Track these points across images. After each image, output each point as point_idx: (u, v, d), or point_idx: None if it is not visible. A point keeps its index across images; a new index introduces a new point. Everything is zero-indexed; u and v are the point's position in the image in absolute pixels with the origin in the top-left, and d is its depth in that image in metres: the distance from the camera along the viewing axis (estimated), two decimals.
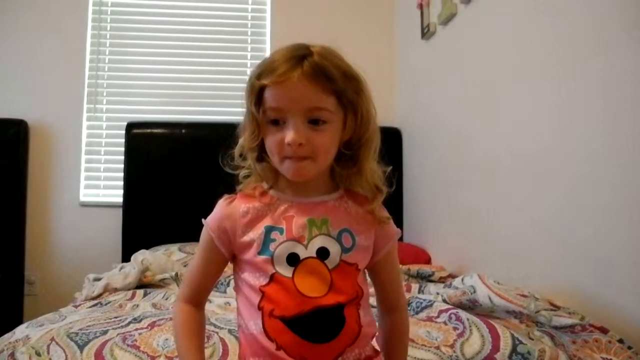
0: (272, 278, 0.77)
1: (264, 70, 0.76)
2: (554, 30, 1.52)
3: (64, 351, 1.07)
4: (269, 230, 0.79)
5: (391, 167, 0.85)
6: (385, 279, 0.88)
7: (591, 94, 1.36)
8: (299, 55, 0.75)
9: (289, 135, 0.75)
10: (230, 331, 1.13)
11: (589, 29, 1.37)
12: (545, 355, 1.08)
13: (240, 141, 0.83)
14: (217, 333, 1.13)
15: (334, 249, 0.78)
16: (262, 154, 0.82)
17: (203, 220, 0.84)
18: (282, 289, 0.76)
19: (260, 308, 0.76)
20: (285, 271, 0.77)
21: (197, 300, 0.84)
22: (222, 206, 0.83)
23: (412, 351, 1.06)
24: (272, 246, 0.78)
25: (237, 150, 0.84)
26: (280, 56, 0.76)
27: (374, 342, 0.85)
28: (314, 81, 0.75)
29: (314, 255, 0.78)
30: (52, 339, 1.12)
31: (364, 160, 0.82)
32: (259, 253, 0.78)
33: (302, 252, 0.77)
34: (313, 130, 0.76)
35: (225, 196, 0.84)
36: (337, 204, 0.83)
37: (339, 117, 0.79)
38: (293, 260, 0.77)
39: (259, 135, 0.80)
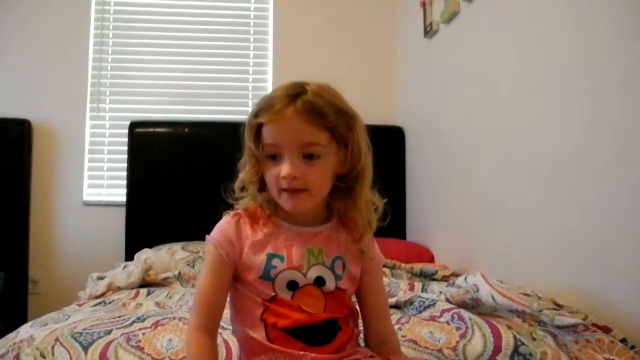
0: (274, 298, 0.82)
1: (262, 109, 0.82)
2: (558, 28, 1.51)
3: (69, 352, 1.07)
4: (270, 257, 0.83)
5: (386, 200, 0.89)
6: (372, 304, 0.93)
7: (595, 94, 1.35)
8: (294, 94, 0.80)
9: (284, 169, 0.80)
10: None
11: (592, 28, 1.36)
12: (547, 358, 1.08)
13: (241, 176, 0.87)
14: (220, 334, 1.13)
15: (329, 277, 0.85)
16: (262, 185, 0.87)
17: (207, 236, 0.87)
18: (284, 305, 0.81)
19: (263, 320, 0.81)
20: (285, 294, 0.82)
21: (211, 327, 0.84)
22: (228, 222, 0.87)
23: (414, 354, 1.07)
24: (272, 272, 0.83)
25: (237, 184, 0.88)
26: (276, 95, 0.82)
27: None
28: (307, 117, 0.80)
29: (312, 283, 0.84)
30: (57, 340, 1.12)
31: (359, 191, 0.87)
32: (260, 277, 0.83)
33: (301, 280, 0.83)
34: (307, 165, 0.81)
35: (230, 212, 0.88)
36: (330, 234, 0.88)
37: (332, 151, 0.84)
38: (292, 286, 0.83)
39: (259, 170, 0.85)
